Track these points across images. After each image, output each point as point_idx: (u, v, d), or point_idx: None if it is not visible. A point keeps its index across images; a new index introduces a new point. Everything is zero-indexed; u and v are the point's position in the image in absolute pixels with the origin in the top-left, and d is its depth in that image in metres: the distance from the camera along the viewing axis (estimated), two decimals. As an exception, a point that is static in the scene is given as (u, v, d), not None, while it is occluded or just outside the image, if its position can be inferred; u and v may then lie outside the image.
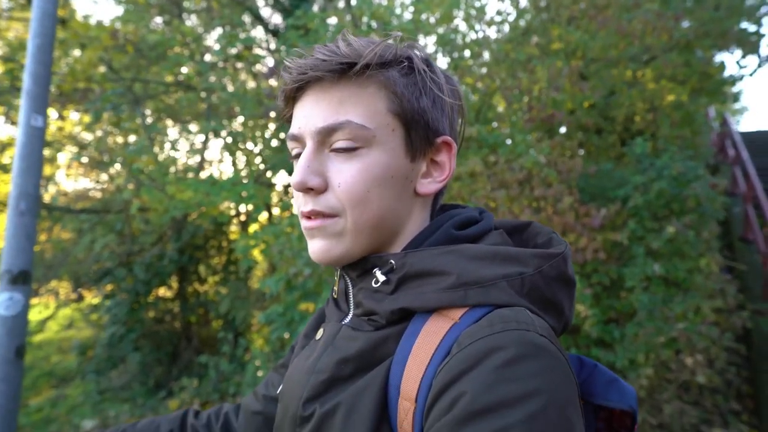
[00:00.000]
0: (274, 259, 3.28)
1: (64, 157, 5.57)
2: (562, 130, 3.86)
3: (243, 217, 5.94)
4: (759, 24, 3.70)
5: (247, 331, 5.35)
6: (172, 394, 4.92)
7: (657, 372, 3.17)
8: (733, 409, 3.32)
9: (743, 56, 3.82)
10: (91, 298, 6.07)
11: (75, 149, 5.60)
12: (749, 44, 3.73)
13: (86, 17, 4.50)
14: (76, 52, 4.48)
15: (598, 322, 2.94)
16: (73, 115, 5.56)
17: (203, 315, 6.23)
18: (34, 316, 5.82)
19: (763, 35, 3.71)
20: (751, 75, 4.21)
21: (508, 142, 3.14)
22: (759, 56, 3.76)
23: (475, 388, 0.38)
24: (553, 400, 0.37)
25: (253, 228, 5.32)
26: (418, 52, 0.56)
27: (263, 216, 5.20)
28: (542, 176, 2.97)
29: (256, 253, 3.69)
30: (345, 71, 0.50)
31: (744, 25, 3.71)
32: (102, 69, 4.56)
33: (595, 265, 3.10)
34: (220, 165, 6.63)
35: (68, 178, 5.94)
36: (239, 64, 5.27)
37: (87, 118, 4.93)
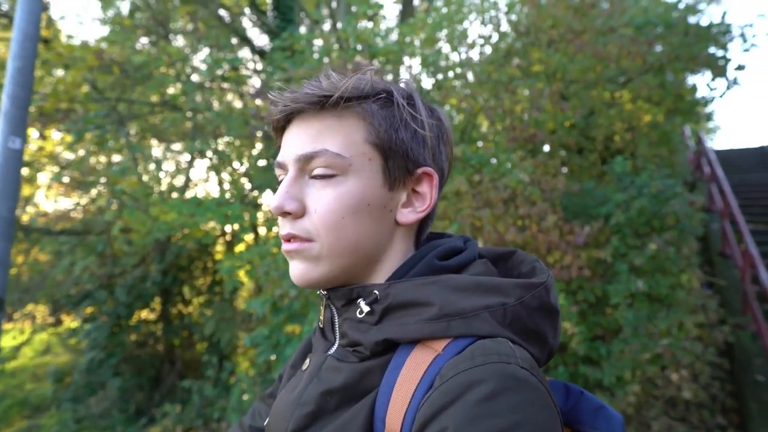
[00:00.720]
0: (260, 280, 3.24)
1: (44, 177, 5.46)
2: (546, 148, 3.95)
3: (228, 237, 5.88)
4: (725, 49, 3.89)
5: (233, 354, 5.23)
6: (153, 420, 4.75)
7: (644, 388, 3.18)
8: (719, 424, 3.35)
9: (713, 79, 4.00)
10: (70, 322, 5.88)
11: (56, 169, 5.50)
12: (717, 68, 3.90)
13: (70, 37, 4.49)
14: (59, 72, 4.44)
15: (584, 340, 2.95)
16: (55, 135, 5.48)
17: (187, 337, 6.07)
18: (8, 342, 5.60)
19: (730, 60, 3.89)
20: (720, 96, 4.40)
21: (493, 161, 3.19)
22: (727, 79, 3.94)
23: (456, 423, 0.38)
24: None
25: (239, 248, 5.26)
26: (401, 86, 0.58)
27: (249, 236, 5.15)
28: (526, 195, 3.02)
29: (242, 274, 3.64)
30: (323, 103, 0.53)
31: (712, 50, 3.89)
32: (86, 89, 4.53)
33: (580, 282, 3.14)
34: (206, 185, 6.58)
35: (48, 199, 5.81)
36: (225, 85, 5.29)
37: (69, 138, 4.86)
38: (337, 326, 0.57)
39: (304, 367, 0.59)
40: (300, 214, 0.53)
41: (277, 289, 2.90)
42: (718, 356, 3.65)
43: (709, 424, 3.34)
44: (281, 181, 0.58)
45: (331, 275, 0.54)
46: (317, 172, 0.53)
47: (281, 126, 0.57)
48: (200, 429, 4.28)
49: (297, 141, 0.54)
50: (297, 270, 0.54)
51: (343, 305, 0.56)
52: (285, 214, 0.53)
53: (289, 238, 0.54)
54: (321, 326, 0.62)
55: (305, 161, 0.53)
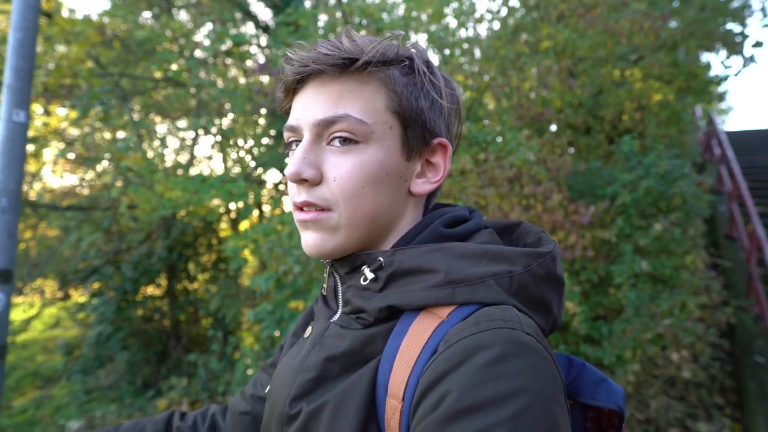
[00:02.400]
0: (264, 257, 3.26)
1: (50, 153, 5.47)
2: (553, 128, 3.89)
3: (233, 215, 5.90)
4: (744, 25, 3.76)
5: (237, 330, 5.32)
6: (160, 393, 4.88)
7: (644, 368, 3.22)
8: (717, 404, 3.39)
9: (728, 57, 3.88)
10: (78, 296, 5.98)
11: (61, 145, 5.51)
12: (734, 45, 3.78)
13: (72, 11, 4.42)
14: (62, 48, 4.39)
15: (586, 319, 2.97)
16: (60, 111, 5.46)
17: (193, 313, 6.17)
18: (18, 315, 5.72)
19: (748, 36, 3.77)
20: (735, 75, 4.27)
21: (499, 140, 3.15)
22: (743, 57, 3.82)
23: (460, 387, 0.38)
24: (538, 397, 0.37)
25: (243, 225, 5.29)
26: (419, 53, 0.56)
27: (254, 213, 5.17)
28: (532, 174, 2.99)
29: (246, 253, 3.67)
30: (346, 66, 0.50)
31: (729, 25, 3.77)
32: (89, 64, 4.49)
33: (583, 262, 3.13)
34: (211, 162, 6.57)
35: (54, 175, 5.83)
36: (229, 61, 5.22)
37: (74, 114, 4.84)
38: (340, 294, 0.57)
39: (307, 334, 0.59)
40: (317, 181, 0.52)
41: (281, 265, 2.93)
42: (719, 337, 3.67)
43: (707, 403, 3.38)
44: (290, 143, 0.56)
45: (346, 245, 0.53)
46: (338, 137, 0.51)
47: (294, 87, 0.55)
48: (206, 402, 4.39)
49: (315, 104, 0.52)
50: (312, 240, 0.53)
51: (347, 273, 0.55)
52: (302, 181, 0.52)
53: (304, 206, 0.53)
54: (324, 294, 0.62)
55: (325, 126, 0.51)
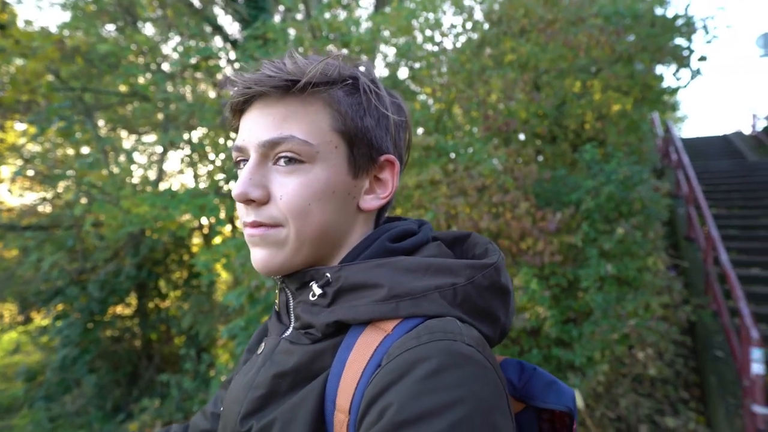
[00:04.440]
0: (237, 272, 3.22)
1: (7, 170, 5.24)
2: (521, 137, 4.01)
3: (205, 230, 5.78)
4: (689, 40, 4.02)
5: (212, 347, 5.19)
6: (131, 416, 4.69)
7: (612, 367, 3.32)
8: (682, 398, 3.53)
9: (678, 69, 4.13)
10: (40, 319, 5.71)
11: (20, 162, 5.28)
12: (682, 59, 4.04)
13: (28, 23, 4.27)
14: (19, 61, 4.24)
15: (556, 323, 3.05)
16: (18, 126, 5.25)
17: (165, 332, 5.99)
18: (-25, 342, 5.41)
19: (693, 51, 4.03)
20: (685, 87, 4.54)
21: (469, 150, 3.23)
22: (691, 69, 4.07)
23: (400, 400, 0.39)
24: (477, 407, 0.38)
25: (216, 240, 5.19)
26: (364, 70, 0.57)
27: (227, 228, 5.09)
28: (499, 183, 3.07)
29: (219, 267, 3.60)
30: (289, 87, 0.51)
31: (677, 41, 4.01)
32: (48, 78, 4.34)
33: (552, 267, 3.23)
34: (180, 177, 6.44)
35: (12, 194, 5.58)
36: (198, 74, 5.16)
37: (32, 130, 4.66)
38: (291, 309, 0.57)
39: (259, 350, 0.59)
40: (264, 200, 0.52)
41: (253, 280, 2.89)
42: (681, 334, 3.84)
43: (672, 398, 3.52)
44: (239, 162, 0.57)
45: (293, 261, 0.54)
46: (283, 157, 0.52)
47: (240, 108, 0.55)
48: (180, 423, 4.25)
49: (260, 126, 0.52)
50: (260, 255, 0.54)
51: (297, 288, 0.56)
52: (249, 201, 0.52)
53: (255, 226, 0.53)
54: (277, 310, 0.62)
55: (270, 147, 0.51)
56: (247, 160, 0.55)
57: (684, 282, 4.28)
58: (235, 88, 0.53)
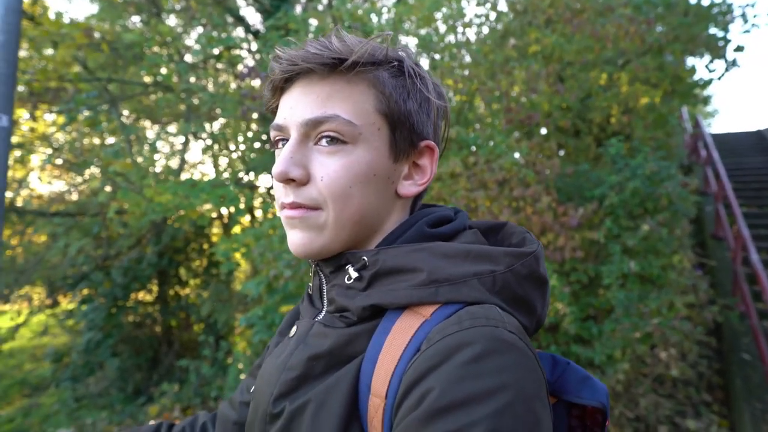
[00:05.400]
0: (256, 261, 3.25)
1: (37, 159, 5.41)
2: (543, 131, 3.93)
3: (225, 220, 5.87)
4: (726, 30, 3.84)
5: (230, 334, 5.29)
6: (152, 399, 4.83)
7: (633, 366, 3.25)
8: (704, 401, 3.44)
9: (711, 61, 3.97)
10: (67, 303, 5.90)
11: (49, 151, 5.44)
12: (717, 49, 3.87)
13: (59, 15, 4.38)
14: (49, 51, 4.35)
15: (576, 320, 3.00)
16: (47, 116, 5.40)
17: (184, 319, 6.12)
18: (5, 323, 5.63)
19: (730, 41, 3.85)
20: (719, 79, 4.34)
21: (491, 143, 3.18)
22: (726, 61, 3.90)
23: (442, 384, 0.39)
24: (519, 395, 0.38)
25: (235, 230, 5.26)
26: (409, 56, 0.56)
27: (245, 218, 5.15)
28: (521, 177, 3.02)
29: (238, 256, 3.65)
30: (335, 66, 0.50)
31: (712, 30, 3.85)
32: (76, 68, 4.44)
33: (573, 263, 3.17)
34: (201, 167, 6.54)
35: (42, 181, 5.76)
36: (220, 65, 5.21)
37: (61, 119, 4.79)
38: (325, 293, 0.57)
39: (292, 333, 0.59)
40: (304, 181, 0.51)
41: (272, 269, 2.92)
42: (706, 335, 3.72)
43: (694, 400, 3.43)
44: (276, 142, 0.56)
45: (332, 245, 0.53)
46: (326, 136, 0.51)
47: (281, 86, 0.55)
48: (198, 407, 4.35)
49: (303, 104, 0.51)
50: (299, 239, 0.53)
51: (331, 272, 0.55)
52: (288, 181, 0.52)
53: (292, 207, 0.52)
54: (310, 293, 0.62)
55: (312, 126, 0.51)
56: (287, 140, 0.54)
57: (710, 281, 4.15)
58: (279, 65, 0.52)
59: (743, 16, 3.85)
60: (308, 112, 0.51)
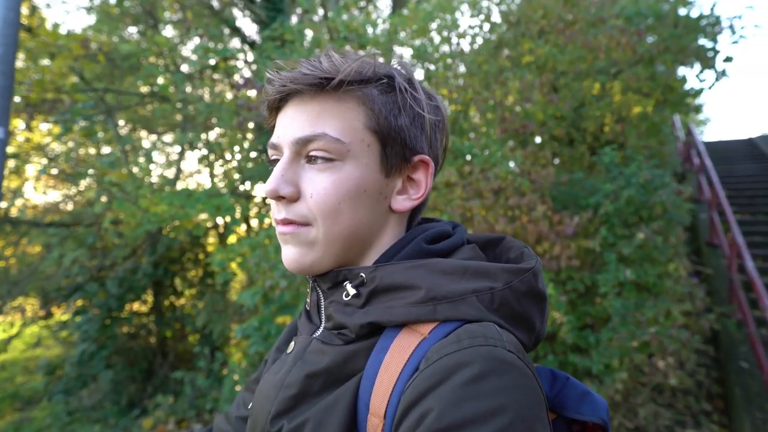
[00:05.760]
0: (251, 271, 3.24)
1: (32, 169, 5.39)
2: (538, 140, 3.96)
3: (221, 229, 5.85)
4: (714, 41, 3.91)
5: (225, 345, 5.24)
6: (146, 412, 4.76)
7: (631, 376, 3.24)
8: (704, 410, 3.42)
9: (702, 71, 4.02)
10: (60, 314, 5.84)
11: (44, 161, 5.43)
12: (706, 59, 3.93)
13: (56, 26, 4.40)
14: (45, 62, 4.36)
15: (573, 329, 2.99)
16: (43, 126, 5.40)
17: (179, 329, 6.06)
18: (-2, 335, 5.56)
19: (719, 51, 3.92)
20: (709, 88, 4.39)
21: (486, 152, 3.20)
22: (716, 71, 3.96)
23: (441, 406, 0.38)
24: (519, 415, 0.38)
25: (231, 240, 5.24)
26: (401, 70, 0.57)
27: (241, 228, 5.14)
28: (516, 186, 3.03)
29: (234, 266, 3.64)
30: (323, 85, 0.51)
31: (701, 41, 3.91)
32: (73, 79, 4.45)
33: (569, 272, 3.17)
34: (198, 177, 6.54)
35: (37, 191, 5.74)
36: (216, 75, 5.23)
37: (57, 129, 4.79)
38: (323, 309, 0.57)
39: (289, 350, 0.58)
40: (295, 198, 0.52)
41: (267, 280, 2.91)
42: (704, 343, 3.72)
43: (694, 409, 3.41)
44: (273, 161, 0.57)
45: (324, 261, 0.53)
46: (314, 155, 0.52)
47: (276, 106, 0.56)
48: (193, 420, 4.30)
49: (294, 123, 0.52)
50: (291, 254, 0.54)
51: (329, 288, 0.55)
52: (279, 198, 0.52)
53: (284, 223, 0.53)
54: (308, 309, 0.61)
55: (302, 144, 0.52)
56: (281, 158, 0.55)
57: (707, 289, 4.15)
58: (272, 86, 0.53)
59: (731, 27, 3.91)
60: (299, 131, 0.52)
